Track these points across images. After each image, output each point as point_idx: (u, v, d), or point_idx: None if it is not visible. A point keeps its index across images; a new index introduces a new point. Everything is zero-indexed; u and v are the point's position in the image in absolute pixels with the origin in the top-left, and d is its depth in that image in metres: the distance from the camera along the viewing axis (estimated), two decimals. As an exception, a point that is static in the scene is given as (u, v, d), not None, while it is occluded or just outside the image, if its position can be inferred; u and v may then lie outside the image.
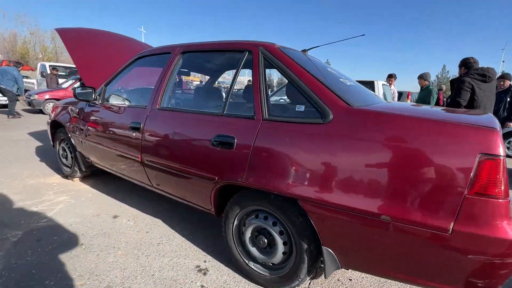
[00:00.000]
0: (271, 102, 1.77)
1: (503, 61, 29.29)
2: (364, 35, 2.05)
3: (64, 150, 2.93)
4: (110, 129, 2.20)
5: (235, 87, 1.65)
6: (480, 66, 3.00)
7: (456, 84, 2.95)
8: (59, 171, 3.25)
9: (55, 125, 3.00)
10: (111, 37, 3.34)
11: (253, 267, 1.54)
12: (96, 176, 3.09)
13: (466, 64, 3.01)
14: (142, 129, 1.89)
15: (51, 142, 3.19)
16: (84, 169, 2.77)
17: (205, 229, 2.12)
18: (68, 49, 2.81)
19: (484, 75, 2.84)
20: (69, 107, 2.71)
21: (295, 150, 1.26)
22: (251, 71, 1.55)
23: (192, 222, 2.22)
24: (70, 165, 2.92)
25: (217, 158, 1.50)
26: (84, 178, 3.02)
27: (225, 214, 1.60)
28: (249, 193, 1.47)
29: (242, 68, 1.64)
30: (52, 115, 2.97)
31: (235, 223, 1.57)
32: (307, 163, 1.22)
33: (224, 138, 1.47)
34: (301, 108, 1.34)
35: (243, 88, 2.04)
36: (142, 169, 1.97)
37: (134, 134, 1.95)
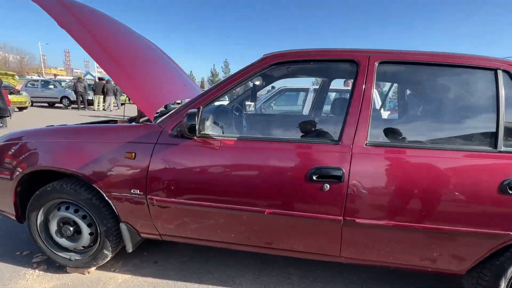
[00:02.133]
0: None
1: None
2: None
3: (66, 223, 1.56)
4: (242, 179, 1.32)
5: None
6: None
7: None
8: (25, 261, 1.74)
9: (32, 181, 1.55)
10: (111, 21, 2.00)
11: None
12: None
13: None
14: (347, 177, 1.23)
15: (12, 213, 1.62)
16: (131, 248, 1.57)
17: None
18: (62, 24, 1.44)
19: None
20: (96, 144, 1.45)
21: None
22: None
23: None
24: (84, 247, 1.59)
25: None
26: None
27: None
28: None
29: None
30: (24, 162, 1.50)
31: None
32: None
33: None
34: None
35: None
36: (337, 233, 1.30)
37: (326, 186, 1.24)
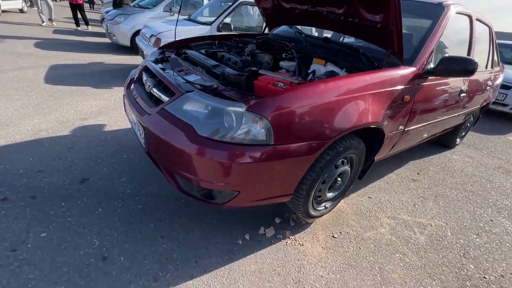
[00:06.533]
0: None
1: None
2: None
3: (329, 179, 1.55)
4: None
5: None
6: None
7: None
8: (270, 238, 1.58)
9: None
10: None
11: None
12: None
13: None
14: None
15: (288, 194, 1.30)
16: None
17: None
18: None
19: None
20: (379, 95, 1.41)
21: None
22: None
23: None
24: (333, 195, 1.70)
25: None
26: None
27: None
28: None
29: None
30: (331, 128, 1.22)
31: None
32: None
33: None
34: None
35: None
36: None
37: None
